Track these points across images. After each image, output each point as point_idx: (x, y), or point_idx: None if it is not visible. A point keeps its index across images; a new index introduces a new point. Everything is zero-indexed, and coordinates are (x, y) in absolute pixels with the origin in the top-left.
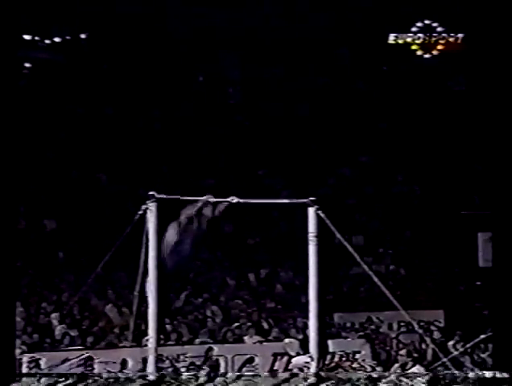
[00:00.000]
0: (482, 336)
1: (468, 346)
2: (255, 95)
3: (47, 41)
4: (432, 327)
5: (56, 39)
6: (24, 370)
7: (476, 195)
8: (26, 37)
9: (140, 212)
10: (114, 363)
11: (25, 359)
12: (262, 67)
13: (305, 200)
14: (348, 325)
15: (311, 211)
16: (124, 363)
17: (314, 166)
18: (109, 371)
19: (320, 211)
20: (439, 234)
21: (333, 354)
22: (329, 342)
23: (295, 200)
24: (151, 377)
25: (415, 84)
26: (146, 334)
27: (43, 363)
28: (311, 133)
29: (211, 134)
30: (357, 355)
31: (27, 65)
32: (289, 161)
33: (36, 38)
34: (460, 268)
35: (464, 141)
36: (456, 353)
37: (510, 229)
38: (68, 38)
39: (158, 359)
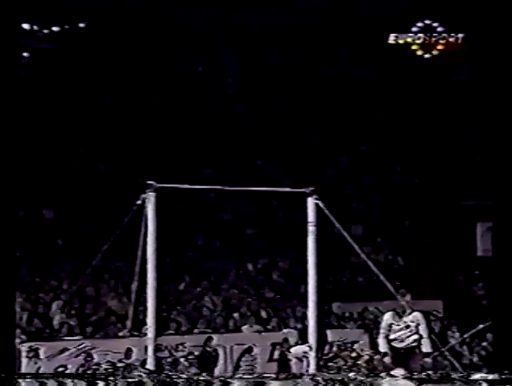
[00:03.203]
0: (481, 326)
1: (466, 335)
2: (254, 84)
3: (46, 30)
4: (431, 317)
5: (55, 29)
6: (23, 359)
7: (475, 184)
8: (25, 26)
9: (139, 202)
10: (114, 352)
11: (24, 348)
12: (261, 57)
13: (304, 190)
14: (347, 314)
15: (310, 200)
16: (127, 353)
17: (313, 156)
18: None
19: (319, 201)
20: (437, 224)
21: (332, 343)
22: (328, 331)
23: (294, 189)
24: None
25: (414, 74)
26: (145, 324)
27: (41, 352)
28: (310, 122)
29: (209, 124)
30: (356, 345)
31: (26, 55)
32: (288, 151)
33: (35, 27)
34: (459, 257)
35: (464, 131)
36: (454, 342)
37: (510, 219)
38: (66, 27)
39: (157, 348)
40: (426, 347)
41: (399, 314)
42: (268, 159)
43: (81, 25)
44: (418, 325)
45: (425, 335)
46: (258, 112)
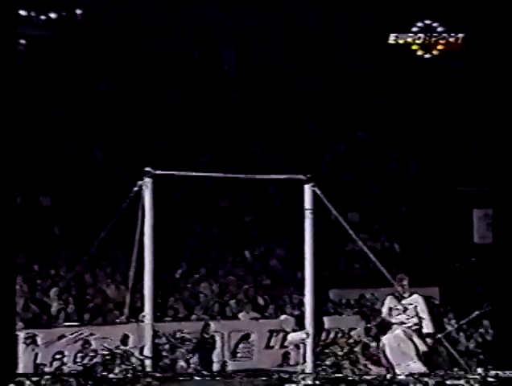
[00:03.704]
0: (477, 312)
1: (462, 322)
2: (251, 72)
3: (43, 17)
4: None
5: (52, 15)
6: (21, 346)
7: (472, 171)
8: (22, 13)
9: (136, 188)
10: (111, 339)
11: (22, 335)
12: (258, 45)
13: (301, 177)
14: (344, 301)
15: (307, 187)
16: (124, 340)
17: (310, 143)
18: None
19: (315, 188)
20: (434, 211)
21: (329, 330)
22: (325, 318)
23: (291, 176)
24: None
25: (410, 61)
26: (143, 311)
27: (39, 339)
28: (306, 109)
29: (206, 111)
30: (353, 332)
31: (22, 42)
32: (285, 138)
33: (32, 14)
34: (455, 244)
35: (460, 118)
36: (450, 329)
37: (509, 205)
38: (63, 14)
39: (155, 335)
40: (427, 328)
41: (398, 298)
42: (265, 146)
43: (78, 11)
44: (416, 307)
45: (425, 316)
46: (255, 99)
